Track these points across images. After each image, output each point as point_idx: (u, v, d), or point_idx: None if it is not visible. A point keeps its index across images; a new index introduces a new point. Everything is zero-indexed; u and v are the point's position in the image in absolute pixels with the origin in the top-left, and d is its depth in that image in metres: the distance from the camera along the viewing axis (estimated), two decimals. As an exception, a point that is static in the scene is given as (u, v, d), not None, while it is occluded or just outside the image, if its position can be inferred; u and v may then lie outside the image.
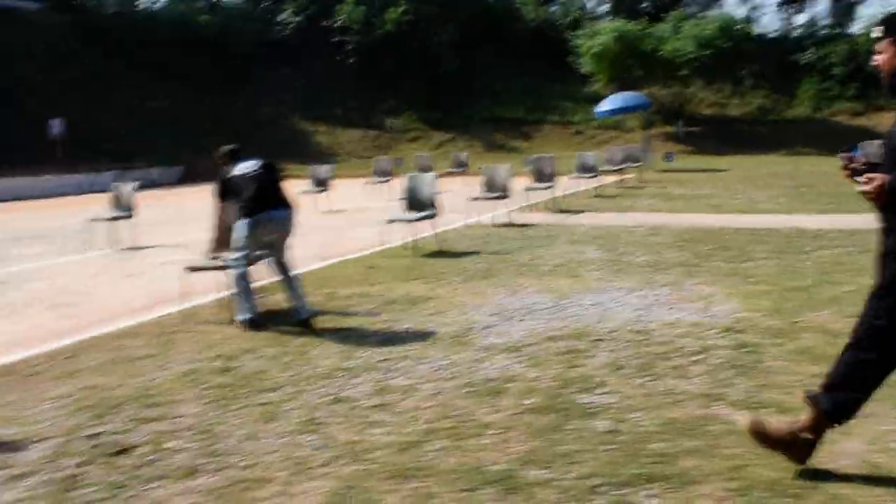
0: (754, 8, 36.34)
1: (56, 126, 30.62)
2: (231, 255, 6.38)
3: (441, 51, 38.44)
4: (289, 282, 6.49)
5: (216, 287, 7.18)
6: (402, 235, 10.41)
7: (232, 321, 6.42)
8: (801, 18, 39.96)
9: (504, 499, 3.26)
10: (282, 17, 44.08)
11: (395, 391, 4.62)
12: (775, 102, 36.28)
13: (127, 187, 12.09)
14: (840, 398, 3.31)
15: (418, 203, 9.89)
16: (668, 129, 34.29)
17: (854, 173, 3.03)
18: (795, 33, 38.44)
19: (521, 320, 6.26)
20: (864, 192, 2.99)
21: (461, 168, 23.12)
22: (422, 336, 5.86)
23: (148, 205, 15.89)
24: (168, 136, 34.80)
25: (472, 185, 19.28)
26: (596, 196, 17.45)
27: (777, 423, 3.51)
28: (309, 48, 40.17)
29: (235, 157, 6.79)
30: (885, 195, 2.93)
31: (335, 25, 40.75)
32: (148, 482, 3.49)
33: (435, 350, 5.45)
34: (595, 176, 17.84)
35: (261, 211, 6.37)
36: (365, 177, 22.29)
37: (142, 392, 4.73)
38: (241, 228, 6.43)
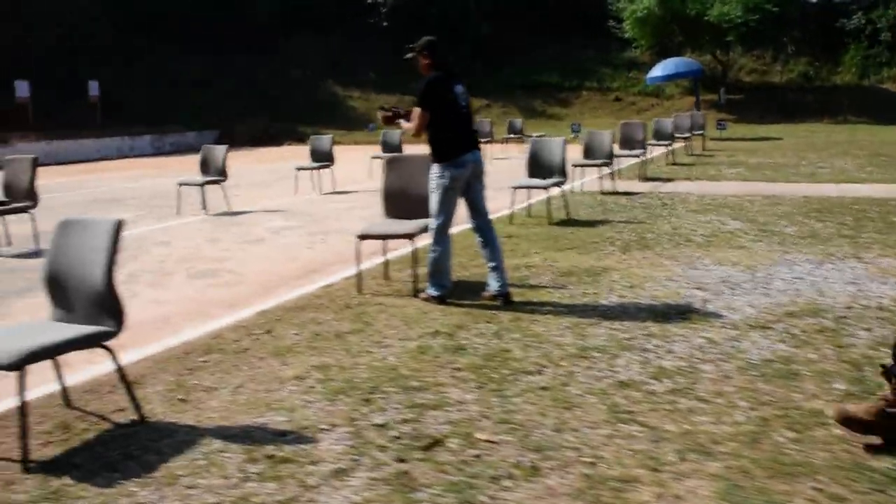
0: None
1: (94, 88, 30.05)
2: (431, 223, 5.70)
3: (476, 14, 37.52)
4: (493, 248, 5.72)
5: (369, 255, 6.79)
6: (510, 202, 9.75)
7: (417, 294, 5.98)
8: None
9: (926, 505, 2.85)
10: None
11: (675, 374, 4.18)
12: (818, 69, 35.39)
13: (219, 150, 11.59)
14: None
15: (546, 169, 9.37)
16: (710, 96, 33.47)
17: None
18: (839, -1, 37.49)
19: (733, 294, 5.82)
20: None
21: (517, 135, 22.62)
22: (644, 311, 5.42)
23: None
24: (198, 102, 34.05)
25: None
26: (673, 164, 16.91)
27: None
28: (335, 12, 39.12)
29: (436, 54, 5.70)
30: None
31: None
32: (493, 482, 3.07)
33: (676, 328, 5.01)
34: (671, 143, 17.31)
35: (464, 153, 5.59)
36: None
37: (390, 374, 4.30)
38: (440, 180, 5.56)
